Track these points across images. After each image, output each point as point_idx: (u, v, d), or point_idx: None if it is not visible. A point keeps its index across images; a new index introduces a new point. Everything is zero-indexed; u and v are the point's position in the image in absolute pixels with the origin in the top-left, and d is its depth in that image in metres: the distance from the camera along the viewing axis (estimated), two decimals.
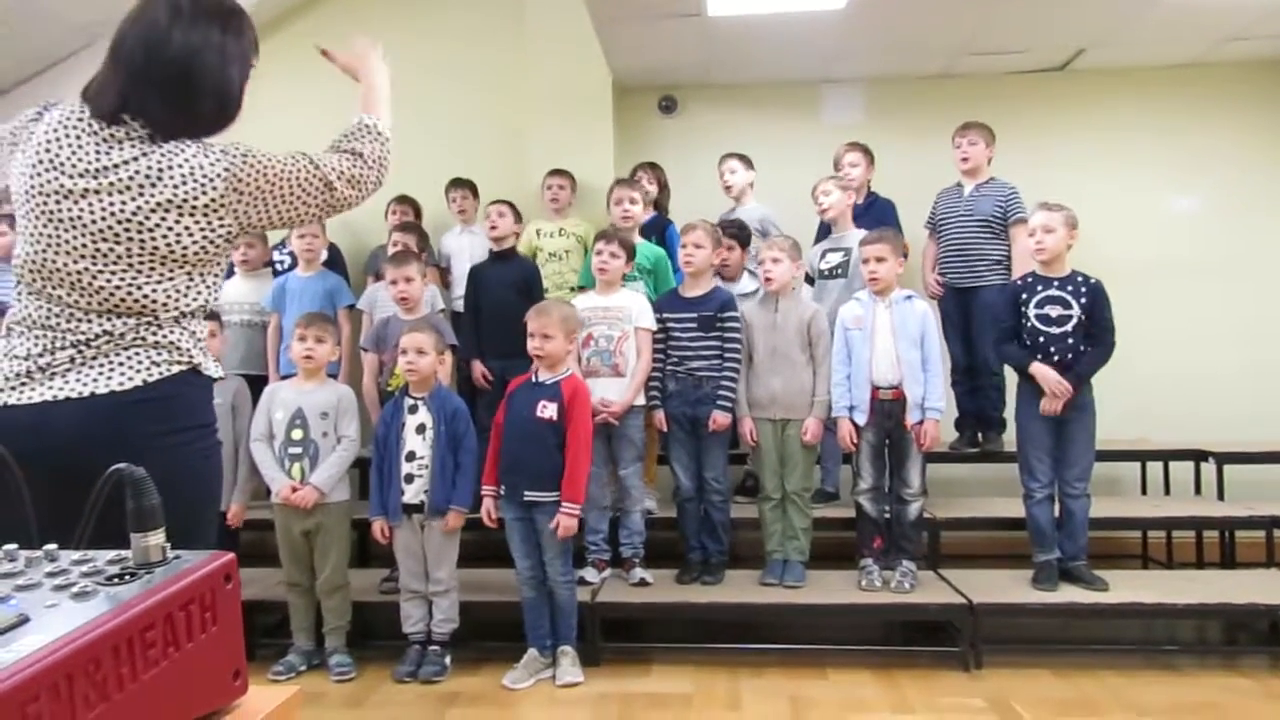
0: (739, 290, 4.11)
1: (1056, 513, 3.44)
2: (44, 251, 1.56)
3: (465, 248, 4.75)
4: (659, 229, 4.47)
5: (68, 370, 1.54)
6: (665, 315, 3.71)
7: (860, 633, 3.59)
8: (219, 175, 1.58)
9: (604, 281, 3.73)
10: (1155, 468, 4.59)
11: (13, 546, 0.92)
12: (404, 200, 4.88)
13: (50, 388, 1.53)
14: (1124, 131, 5.07)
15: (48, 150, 1.56)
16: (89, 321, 1.56)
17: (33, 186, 1.56)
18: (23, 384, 1.54)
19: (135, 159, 1.55)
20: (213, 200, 1.58)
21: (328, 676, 3.30)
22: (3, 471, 1.09)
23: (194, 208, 1.57)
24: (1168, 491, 4.54)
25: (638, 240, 4.08)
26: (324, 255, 4.59)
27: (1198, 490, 4.45)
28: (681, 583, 3.60)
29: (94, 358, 1.55)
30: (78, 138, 1.56)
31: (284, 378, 4.00)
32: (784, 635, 3.56)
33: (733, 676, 3.24)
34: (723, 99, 5.30)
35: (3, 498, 1.11)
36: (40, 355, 1.55)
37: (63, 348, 1.55)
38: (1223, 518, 4.04)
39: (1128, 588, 3.42)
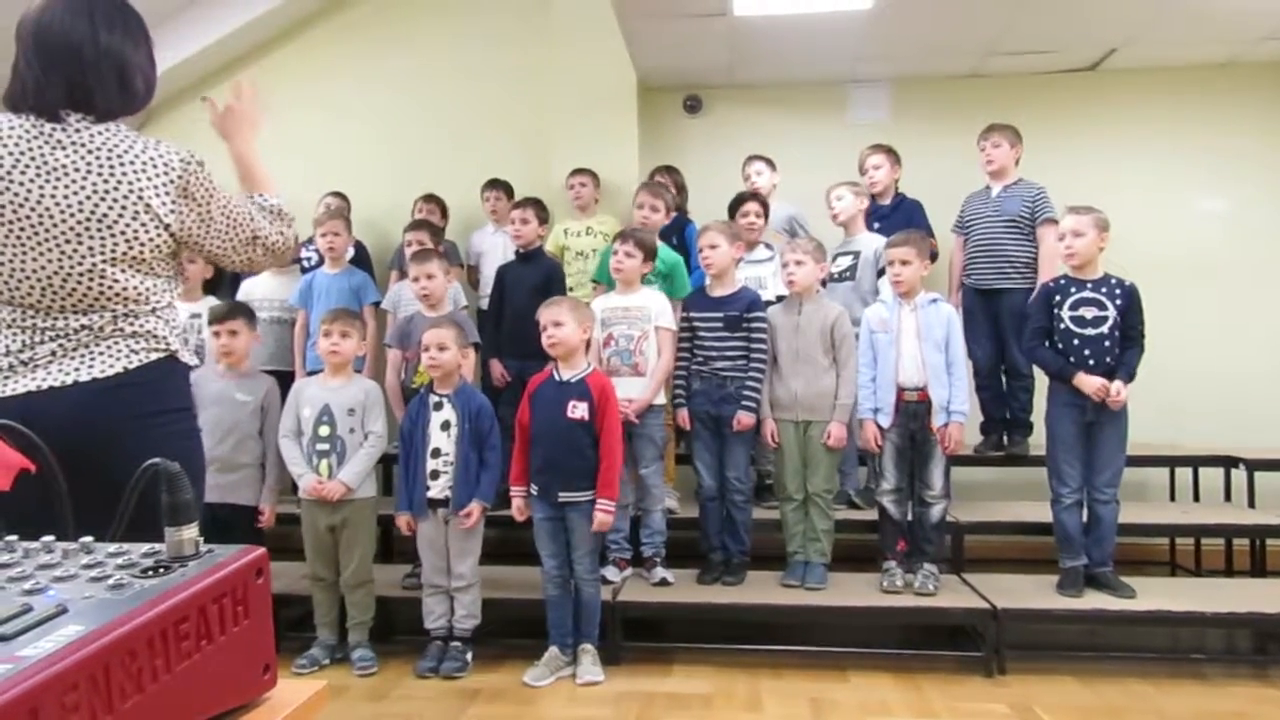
0: (753, 258, 4.09)
1: (1084, 518, 3.41)
2: (10, 261, 1.59)
3: (498, 247, 4.76)
4: (678, 229, 4.47)
5: (49, 362, 1.58)
6: (691, 314, 3.71)
7: (881, 635, 3.57)
8: (174, 165, 1.65)
9: (621, 281, 3.73)
10: (1184, 473, 4.53)
11: (50, 538, 0.93)
12: (430, 199, 4.91)
13: (34, 379, 1.57)
14: (1156, 132, 5.00)
15: None
16: (66, 319, 1.60)
17: None
18: (5, 378, 1.58)
19: (84, 156, 1.59)
20: (168, 183, 1.63)
21: (350, 670, 3.33)
22: (43, 464, 1.11)
23: (154, 196, 1.62)
24: (1197, 498, 4.47)
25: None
26: (350, 252, 4.62)
27: (1228, 497, 4.39)
28: (703, 583, 3.60)
29: (75, 349, 1.60)
30: (16, 144, 1.59)
31: (311, 374, 4.04)
32: (805, 637, 3.55)
33: (753, 677, 3.23)
34: (748, 99, 5.29)
35: (19, 489, 1.13)
36: (21, 351, 1.59)
37: (43, 342, 1.59)
38: (1254, 525, 3.98)
39: (1155, 595, 3.37)
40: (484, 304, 4.55)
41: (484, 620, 3.38)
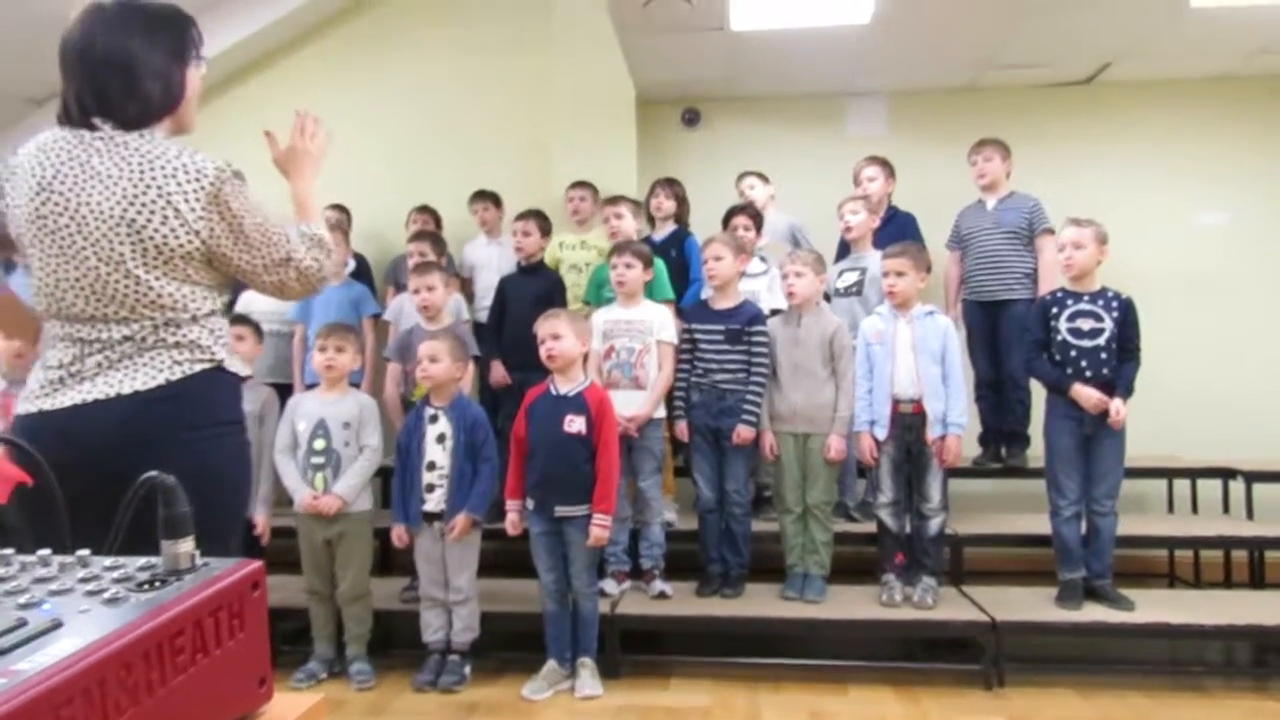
0: (747, 272, 4.10)
1: (1083, 530, 3.41)
2: (55, 271, 1.61)
3: (492, 259, 4.77)
4: (678, 241, 4.49)
5: (96, 375, 1.59)
6: (693, 326, 3.72)
7: (881, 648, 3.56)
8: (207, 172, 1.63)
9: (624, 294, 3.74)
10: (1182, 485, 4.53)
11: (46, 552, 0.93)
12: (425, 210, 4.93)
13: (79, 391, 1.58)
14: (1151, 145, 5.03)
15: (33, 175, 1.62)
16: (110, 329, 1.61)
17: (32, 213, 1.62)
18: (55, 390, 1.59)
19: (118, 161, 1.60)
20: (199, 190, 1.61)
21: (348, 684, 3.32)
22: (40, 478, 1.11)
23: (182, 201, 1.61)
24: (1195, 510, 4.48)
25: None
26: (351, 265, 4.63)
27: (1226, 509, 4.39)
28: (701, 595, 3.60)
29: (119, 360, 1.60)
30: (58, 155, 1.62)
31: (309, 387, 4.04)
32: (804, 650, 3.54)
33: (752, 691, 3.22)
34: (746, 112, 5.32)
35: (42, 505, 1.14)
36: (71, 363, 1.60)
37: (90, 354, 1.60)
38: (1252, 537, 3.98)
39: (1154, 607, 3.37)
40: (480, 316, 4.55)
41: (482, 633, 3.37)
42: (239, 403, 1.74)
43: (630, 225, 4.20)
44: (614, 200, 4.29)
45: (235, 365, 1.71)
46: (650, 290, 3.97)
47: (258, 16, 5.20)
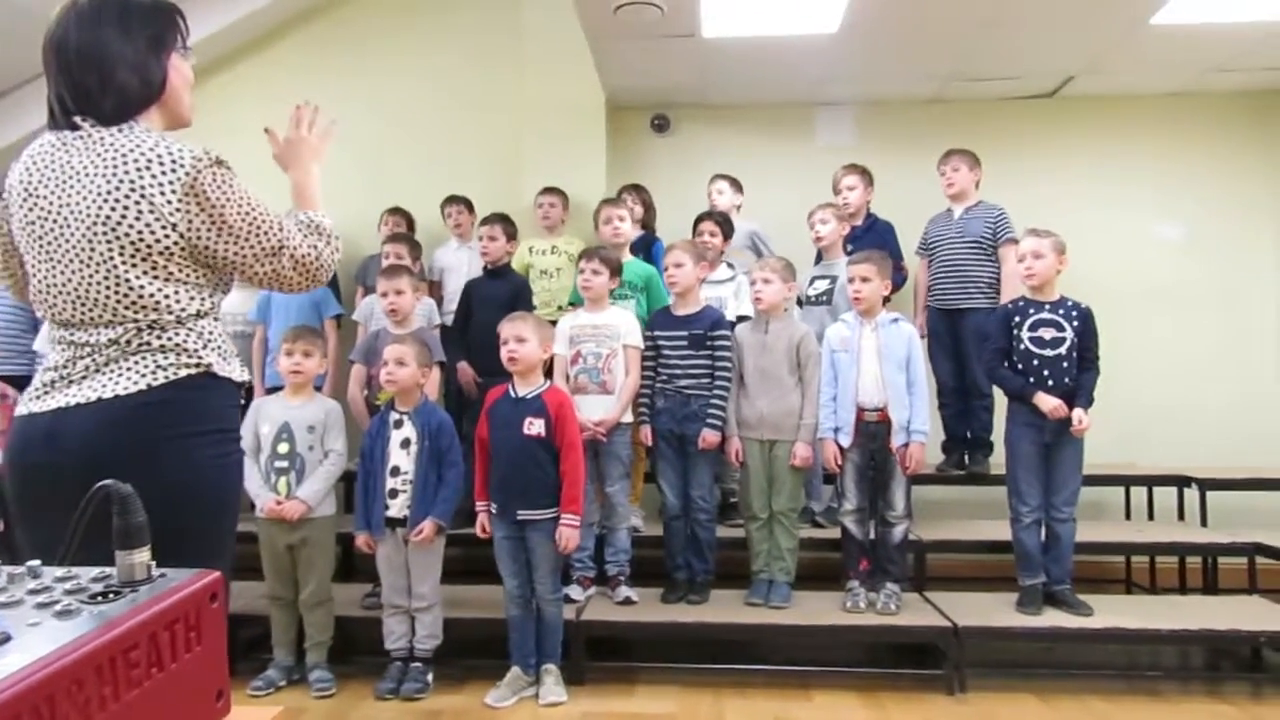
0: (714, 278, 4.12)
1: (1043, 536, 3.46)
2: (46, 278, 1.59)
3: (462, 263, 4.75)
4: (645, 247, 4.50)
5: (83, 378, 1.57)
6: (656, 333, 3.72)
7: (845, 654, 3.58)
8: (184, 161, 1.56)
9: (590, 299, 3.73)
10: (1139, 493, 4.61)
11: None
12: (397, 211, 4.89)
13: (66, 395, 1.56)
14: (1112, 158, 5.12)
15: (21, 184, 1.61)
16: (98, 333, 1.58)
17: (20, 220, 1.61)
18: (46, 393, 1.58)
19: (94, 159, 1.57)
20: (174, 180, 1.55)
21: (308, 692, 3.27)
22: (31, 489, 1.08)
23: (157, 193, 1.55)
24: (1151, 517, 4.57)
25: (628, 258, 4.10)
26: None
27: (1181, 516, 4.48)
28: (667, 602, 3.59)
29: (105, 365, 1.57)
30: (42, 159, 1.60)
31: (269, 390, 3.98)
32: (769, 655, 3.55)
33: (717, 696, 3.22)
34: (716, 119, 5.34)
35: (40, 514, 1.11)
36: (64, 366, 1.59)
37: (81, 358, 1.58)
38: (1206, 544, 4.06)
39: (1111, 613, 3.42)
40: (448, 320, 4.53)
41: (445, 640, 3.34)
42: (232, 410, 1.67)
43: (630, 229, 4.19)
44: (617, 201, 4.26)
45: (229, 370, 1.65)
46: (649, 302, 3.98)
47: (225, 15, 5.12)
